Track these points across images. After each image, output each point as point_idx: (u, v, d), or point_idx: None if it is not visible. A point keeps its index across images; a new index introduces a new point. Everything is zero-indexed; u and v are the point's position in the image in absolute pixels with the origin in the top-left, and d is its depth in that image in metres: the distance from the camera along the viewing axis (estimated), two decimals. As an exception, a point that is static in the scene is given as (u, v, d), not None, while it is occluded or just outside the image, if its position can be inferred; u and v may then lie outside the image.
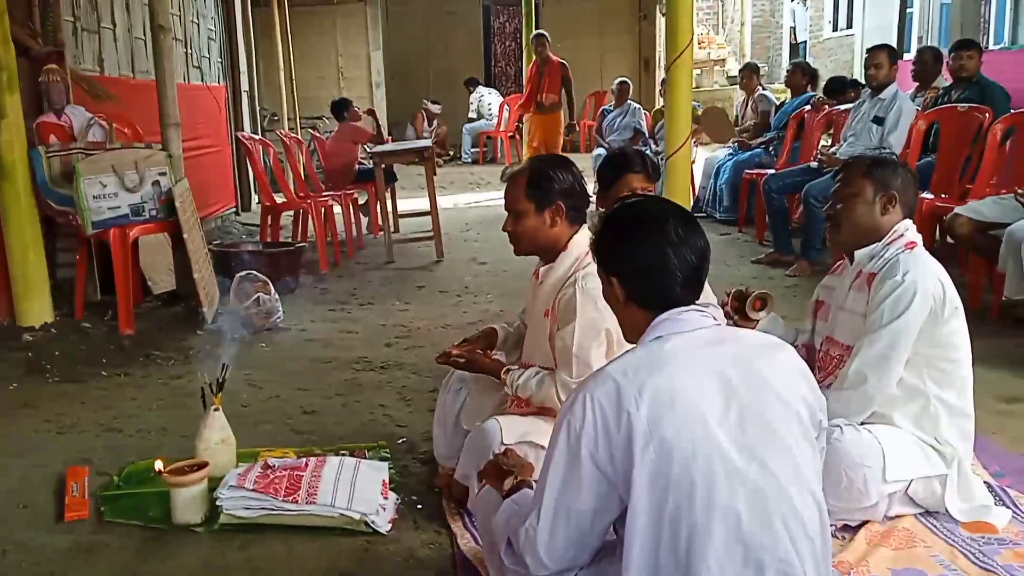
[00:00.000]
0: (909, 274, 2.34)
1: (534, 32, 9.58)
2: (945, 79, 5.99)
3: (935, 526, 2.35)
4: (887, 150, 5.38)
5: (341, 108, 8.21)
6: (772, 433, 1.49)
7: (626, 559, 1.48)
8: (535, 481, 1.79)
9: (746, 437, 1.47)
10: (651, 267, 1.60)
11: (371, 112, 8.73)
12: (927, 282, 2.35)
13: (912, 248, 2.42)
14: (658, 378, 1.48)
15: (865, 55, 5.76)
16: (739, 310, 2.64)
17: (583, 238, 2.41)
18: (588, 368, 2.26)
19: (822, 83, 7.75)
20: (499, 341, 2.69)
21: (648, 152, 8.20)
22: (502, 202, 2.48)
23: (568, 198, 2.38)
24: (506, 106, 12.61)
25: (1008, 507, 2.45)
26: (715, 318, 1.62)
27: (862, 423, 2.38)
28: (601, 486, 1.50)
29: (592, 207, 2.56)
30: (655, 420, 1.45)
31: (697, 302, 1.62)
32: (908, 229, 2.46)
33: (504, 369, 2.47)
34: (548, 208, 2.37)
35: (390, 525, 2.44)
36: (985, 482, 2.54)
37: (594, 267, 2.31)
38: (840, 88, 7.25)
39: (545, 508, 1.55)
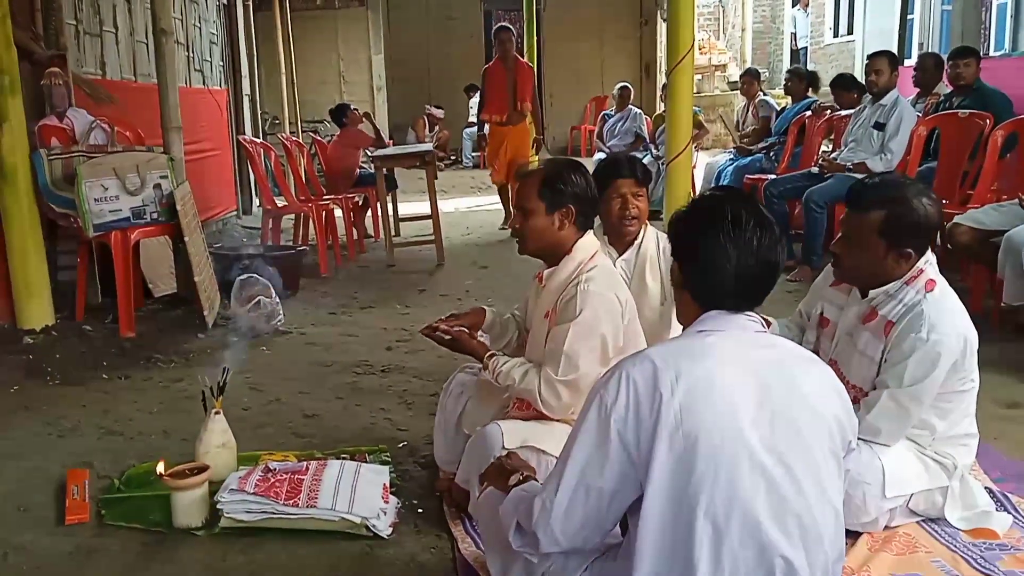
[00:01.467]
0: (933, 332, 2.23)
1: (497, 25, 8.06)
2: (946, 85, 6.01)
3: (936, 531, 2.35)
4: (888, 155, 5.40)
5: (340, 114, 8.25)
6: (801, 441, 1.49)
7: (639, 546, 1.47)
8: (539, 482, 1.79)
9: (775, 440, 1.47)
10: (710, 264, 1.57)
11: (367, 116, 8.72)
12: (951, 340, 2.25)
13: (932, 289, 2.30)
14: (696, 368, 1.49)
15: (866, 61, 5.77)
16: None
17: (588, 243, 2.41)
18: (575, 369, 2.26)
19: (825, 85, 7.70)
20: (486, 323, 2.68)
21: (649, 156, 8.31)
22: (503, 206, 2.50)
23: (580, 203, 2.37)
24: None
25: (1009, 512, 2.44)
26: (763, 325, 1.61)
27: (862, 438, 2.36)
28: (625, 465, 1.50)
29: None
30: (688, 408, 1.45)
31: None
32: (928, 263, 2.34)
33: (488, 354, 2.44)
34: (559, 210, 2.36)
35: (391, 529, 2.44)
36: (986, 488, 2.54)
37: (597, 271, 2.33)
38: (847, 85, 7.15)
39: (566, 482, 1.54)
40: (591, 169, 2.60)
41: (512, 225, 2.49)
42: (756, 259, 1.55)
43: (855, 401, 2.39)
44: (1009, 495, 2.56)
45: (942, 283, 2.34)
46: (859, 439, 2.31)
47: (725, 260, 1.55)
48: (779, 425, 1.48)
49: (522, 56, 8.55)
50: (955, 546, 2.27)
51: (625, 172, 2.89)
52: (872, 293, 2.39)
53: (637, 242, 2.97)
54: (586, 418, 1.54)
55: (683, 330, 1.64)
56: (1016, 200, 4.24)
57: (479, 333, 2.64)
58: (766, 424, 1.47)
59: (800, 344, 2.65)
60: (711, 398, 1.46)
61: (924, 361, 2.25)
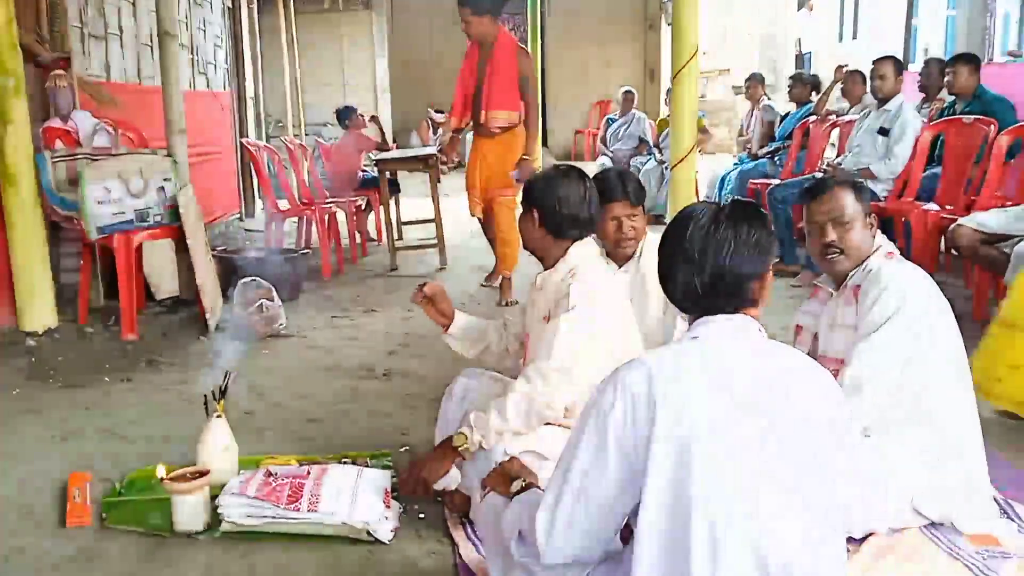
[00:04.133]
0: (893, 280, 2.36)
1: None
2: (950, 91, 6.01)
3: (939, 538, 2.33)
4: (893, 160, 5.41)
5: (344, 116, 8.27)
6: (795, 445, 1.49)
7: (637, 552, 1.47)
8: (541, 488, 1.79)
9: (768, 445, 1.47)
10: (662, 270, 1.65)
11: (375, 119, 8.73)
12: (911, 286, 2.37)
13: (891, 257, 2.46)
14: (690, 374, 1.49)
15: (871, 66, 5.77)
16: None
17: (584, 248, 2.45)
18: (566, 355, 2.26)
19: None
20: (457, 325, 2.75)
21: (653, 160, 8.30)
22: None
23: (544, 210, 2.42)
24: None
25: (1013, 520, 2.44)
26: (760, 329, 1.62)
27: (866, 436, 2.37)
28: (624, 473, 1.50)
29: None
30: (680, 417, 1.45)
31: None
32: (884, 240, 2.51)
33: (456, 433, 2.35)
34: (529, 212, 2.45)
35: (392, 534, 2.43)
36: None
37: (588, 269, 2.37)
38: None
39: (566, 492, 1.55)
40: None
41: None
42: (696, 266, 1.57)
43: None
44: (1013, 503, 2.54)
45: (899, 256, 2.49)
46: (864, 435, 2.33)
47: (674, 269, 1.60)
48: (772, 431, 1.47)
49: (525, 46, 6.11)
50: (958, 554, 2.26)
51: (618, 195, 2.89)
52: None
53: (636, 255, 3.00)
54: (584, 428, 1.54)
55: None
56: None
57: (450, 338, 2.76)
58: (758, 430, 1.47)
59: None
60: (705, 404, 1.46)
61: (888, 305, 2.33)
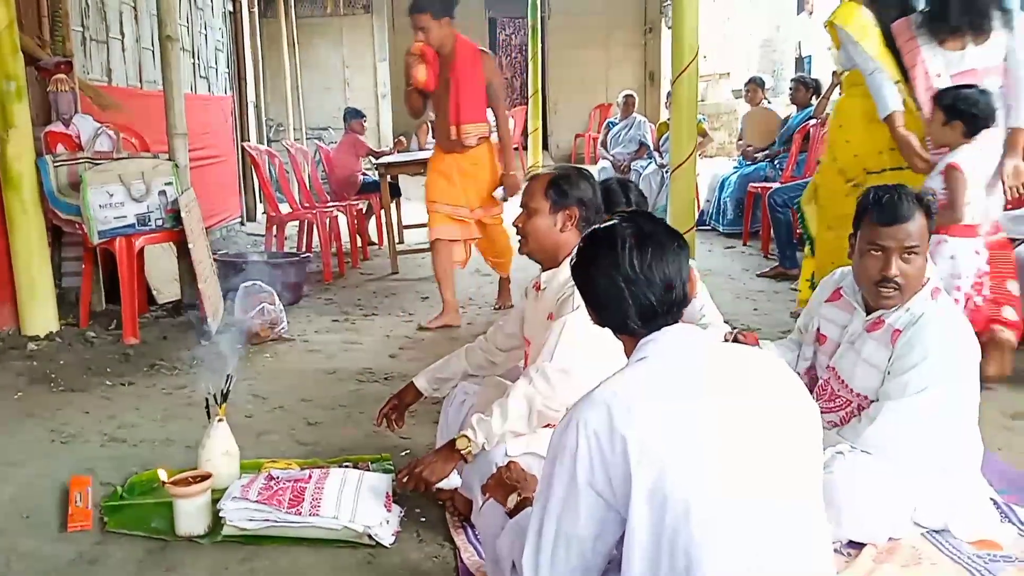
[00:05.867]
0: (938, 344, 2.25)
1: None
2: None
3: (940, 543, 2.33)
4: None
5: (347, 118, 8.31)
6: (765, 451, 1.48)
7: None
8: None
9: (738, 455, 1.46)
10: (603, 301, 1.62)
11: (400, 141, 8.86)
12: (956, 348, 2.28)
13: (937, 296, 2.34)
14: (646, 398, 1.47)
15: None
16: None
17: None
18: (569, 356, 2.26)
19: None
20: (425, 390, 2.81)
21: (653, 164, 8.29)
22: (506, 213, 2.51)
23: (584, 208, 2.42)
24: (511, 119, 12.64)
25: (1014, 524, 2.43)
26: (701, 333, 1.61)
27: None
28: (600, 510, 1.49)
29: None
30: (648, 440, 1.43)
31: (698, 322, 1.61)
32: (931, 269, 2.37)
33: (458, 436, 2.33)
34: (562, 210, 2.42)
35: (393, 538, 2.43)
36: (990, 499, 2.53)
37: None
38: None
39: (545, 536, 1.54)
40: (596, 177, 2.61)
41: (515, 224, 2.53)
42: (645, 281, 1.57)
43: (859, 409, 2.39)
44: (1013, 506, 2.54)
45: (943, 294, 2.38)
46: (862, 450, 2.33)
47: (618, 292, 1.58)
48: (740, 439, 1.46)
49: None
50: (959, 558, 2.26)
51: (621, 206, 2.87)
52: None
53: None
54: (553, 472, 1.52)
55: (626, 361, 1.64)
56: None
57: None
58: (727, 441, 1.46)
59: (797, 360, 2.65)
60: (668, 426, 1.44)
61: (929, 372, 2.25)
